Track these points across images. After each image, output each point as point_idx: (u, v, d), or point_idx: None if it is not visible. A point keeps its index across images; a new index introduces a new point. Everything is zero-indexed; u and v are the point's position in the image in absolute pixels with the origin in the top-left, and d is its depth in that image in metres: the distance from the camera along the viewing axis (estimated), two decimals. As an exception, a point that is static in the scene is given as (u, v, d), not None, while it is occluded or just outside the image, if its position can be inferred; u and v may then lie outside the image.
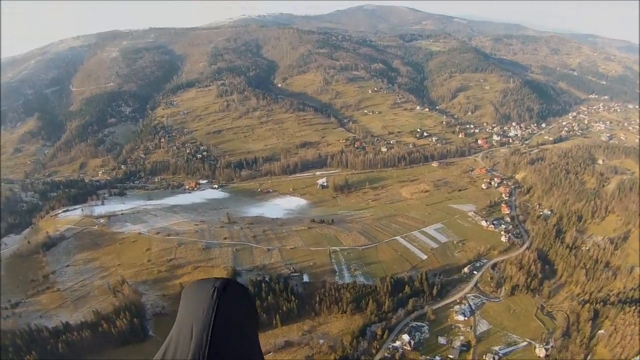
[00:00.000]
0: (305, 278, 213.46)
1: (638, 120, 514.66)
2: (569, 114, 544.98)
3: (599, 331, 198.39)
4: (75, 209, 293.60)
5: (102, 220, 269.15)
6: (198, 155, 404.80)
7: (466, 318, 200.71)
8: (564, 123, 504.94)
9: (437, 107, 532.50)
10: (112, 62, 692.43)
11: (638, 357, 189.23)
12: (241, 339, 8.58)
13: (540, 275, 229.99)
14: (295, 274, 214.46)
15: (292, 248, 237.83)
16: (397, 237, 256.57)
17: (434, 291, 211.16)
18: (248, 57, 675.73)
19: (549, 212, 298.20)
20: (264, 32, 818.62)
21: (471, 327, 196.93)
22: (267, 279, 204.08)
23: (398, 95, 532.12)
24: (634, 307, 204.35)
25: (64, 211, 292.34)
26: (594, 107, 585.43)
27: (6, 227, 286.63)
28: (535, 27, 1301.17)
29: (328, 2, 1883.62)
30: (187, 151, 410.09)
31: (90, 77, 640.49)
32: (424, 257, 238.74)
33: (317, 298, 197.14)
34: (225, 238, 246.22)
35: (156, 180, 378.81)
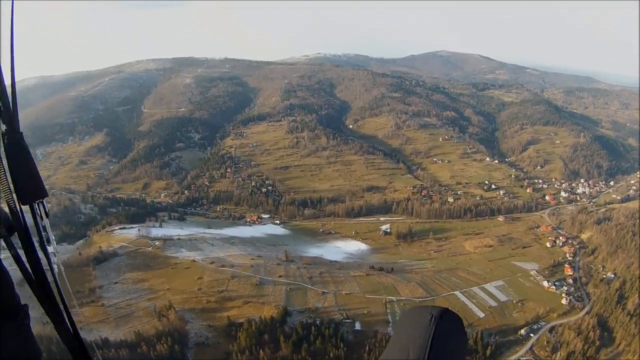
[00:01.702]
0: (357, 326, 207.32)
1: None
2: (637, 172, 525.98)
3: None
4: (132, 227, 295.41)
5: (157, 243, 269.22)
6: (263, 189, 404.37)
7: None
8: (632, 182, 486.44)
9: (507, 160, 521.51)
10: (186, 88, 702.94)
11: None
12: None
13: (597, 343, 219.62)
14: (348, 321, 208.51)
15: (347, 293, 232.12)
16: (456, 292, 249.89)
17: (488, 352, 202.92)
18: (321, 95, 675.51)
19: (612, 276, 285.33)
20: (338, 72, 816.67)
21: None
22: (317, 322, 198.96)
23: (468, 145, 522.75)
24: None
25: (120, 228, 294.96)
26: None
27: (60, 235, 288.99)
28: (607, 80, 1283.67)
29: (403, 46, 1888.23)
30: (252, 184, 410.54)
31: (163, 101, 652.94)
32: (482, 315, 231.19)
33: (367, 348, 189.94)
34: (280, 276, 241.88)
35: (218, 209, 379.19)
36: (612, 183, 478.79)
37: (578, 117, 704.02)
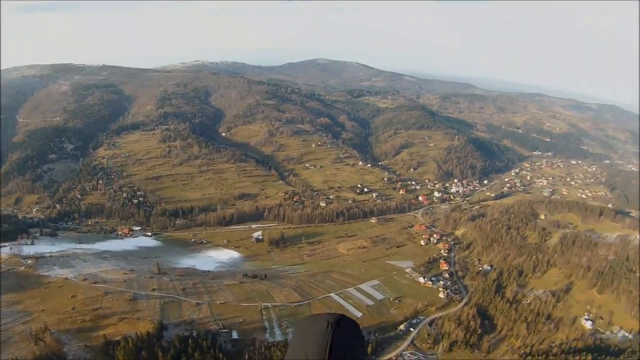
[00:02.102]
0: (235, 335, 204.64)
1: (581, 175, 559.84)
2: (512, 171, 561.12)
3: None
4: (4, 246, 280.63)
5: (29, 262, 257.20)
6: (134, 201, 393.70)
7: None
8: (506, 179, 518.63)
9: (380, 163, 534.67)
10: (62, 96, 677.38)
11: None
12: None
13: (479, 331, 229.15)
14: (224, 331, 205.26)
15: (222, 303, 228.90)
16: (332, 294, 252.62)
17: (369, 349, 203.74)
18: (196, 103, 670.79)
19: (489, 268, 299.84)
20: (215, 80, 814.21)
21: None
22: (194, 334, 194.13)
23: (341, 150, 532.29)
24: (577, 357, 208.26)
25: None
26: (537, 163, 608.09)
27: None
28: (484, 86, 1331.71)
29: (282, 54, 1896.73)
30: (124, 195, 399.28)
31: (38, 109, 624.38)
32: (359, 314, 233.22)
33: (247, 356, 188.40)
34: (153, 289, 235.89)
35: (90, 223, 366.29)
36: (485, 182, 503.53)
37: (453, 121, 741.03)
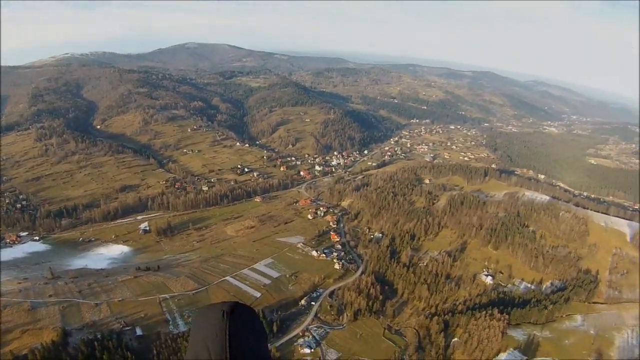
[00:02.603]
0: (138, 331, 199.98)
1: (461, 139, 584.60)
2: (391, 139, 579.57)
3: (453, 339, 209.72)
4: None
5: None
6: (17, 205, 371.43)
7: (312, 350, 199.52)
8: (387, 148, 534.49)
9: (258, 142, 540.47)
10: None
11: (499, 356, 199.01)
12: (256, 354, 9.46)
13: (381, 297, 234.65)
14: (128, 328, 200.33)
15: (120, 300, 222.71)
16: (228, 277, 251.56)
17: (274, 328, 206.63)
18: (68, 98, 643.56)
19: (380, 235, 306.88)
20: (86, 72, 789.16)
21: (319, 358, 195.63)
22: (99, 336, 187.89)
23: (217, 133, 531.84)
24: (484, 312, 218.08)
25: None
26: (416, 130, 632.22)
27: None
28: (356, 60, 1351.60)
29: (150, 40, 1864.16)
30: (7, 201, 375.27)
31: None
32: (258, 294, 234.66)
33: (155, 351, 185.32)
34: (50, 295, 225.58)
35: None
36: (366, 152, 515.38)
37: (328, 95, 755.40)
